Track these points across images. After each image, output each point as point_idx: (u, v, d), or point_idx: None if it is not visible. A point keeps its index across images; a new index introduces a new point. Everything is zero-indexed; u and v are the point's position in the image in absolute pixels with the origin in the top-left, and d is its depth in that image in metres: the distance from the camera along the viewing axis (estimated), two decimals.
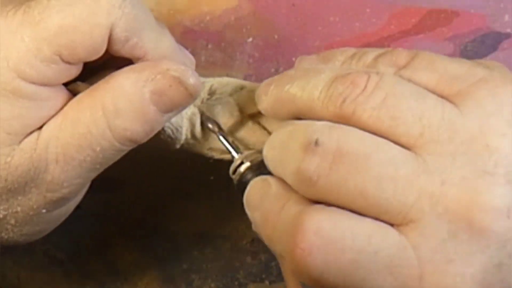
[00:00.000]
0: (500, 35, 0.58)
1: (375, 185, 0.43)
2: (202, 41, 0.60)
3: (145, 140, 0.48)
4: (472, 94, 0.44)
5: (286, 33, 0.60)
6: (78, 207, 0.52)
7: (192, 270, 0.65)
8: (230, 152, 0.51)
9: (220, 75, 0.55)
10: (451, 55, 0.59)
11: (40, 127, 0.47)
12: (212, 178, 0.62)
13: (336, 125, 0.44)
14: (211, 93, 0.53)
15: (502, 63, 0.57)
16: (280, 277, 0.63)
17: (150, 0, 0.59)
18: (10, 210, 0.48)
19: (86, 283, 0.66)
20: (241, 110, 0.53)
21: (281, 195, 0.46)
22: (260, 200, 0.47)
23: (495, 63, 0.47)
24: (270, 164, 0.47)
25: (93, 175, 0.49)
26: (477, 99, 0.44)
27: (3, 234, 0.49)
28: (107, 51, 0.47)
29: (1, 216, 0.48)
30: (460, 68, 0.45)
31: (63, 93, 0.48)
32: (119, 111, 0.46)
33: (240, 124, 0.52)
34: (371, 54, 0.47)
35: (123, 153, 0.48)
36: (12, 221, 0.48)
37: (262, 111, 0.50)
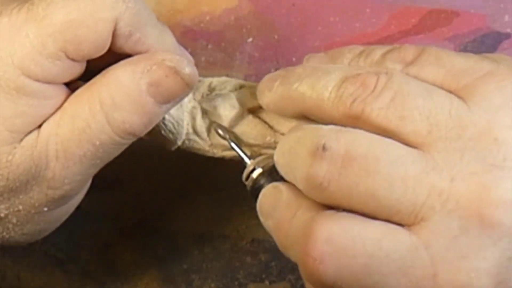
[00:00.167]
0: (500, 35, 0.58)
1: (386, 187, 0.43)
2: (202, 41, 0.60)
3: (144, 133, 0.48)
4: (479, 88, 0.44)
5: (286, 33, 0.60)
6: (78, 207, 0.52)
7: (192, 270, 0.65)
8: (242, 159, 0.51)
9: (220, 75, 0.55)
10: None
11: (40, 125, 0.47)
12: (212, 178, 0.62)
13: (343, 128, 0.44)
14: (211, 89, 0.53)
15: None
16: (280, 277, 0.63)
17: (151, 0, 0.59)
18: (11, 209, 0.48)
19: (86, 283, 0.66)
20: (241, 104, 0.53)
21: (292, 203, 0.46)
22: (272, 208, 0.47)
23: (503, 56, 0.47)
24: (281, 170, 0.47)
25: (94, 171, 0.49)
26: (484, 93, 0.44)
27: (4, 234, 0.49)
28: (110, 51, 0.47)
29: (3, 215, 0.48)
30: (466, 62, 0.45)
31: (65, 93, 0.48)
32: (116, 104, 0.46)
33: (240, 117, 0.52)
34: (379, 51, 0.47)
35: (123, 148, 0.48)
36: (14, 220, 0.48)
37: (264, 107, 0.50)
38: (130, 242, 0.65)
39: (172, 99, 0.48)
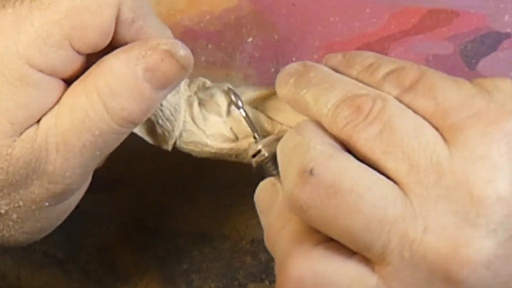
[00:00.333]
0: (500, 35, 0.59)
1: (363, 226, 0.43)
2: (202, 41, 0.60)
3: (143, 120, 0.48)
4: (463, 132, 0.43)
5: (286, 33, 0.60)
6: (77, 207, 0.52)
7: (192, 270, 0.65)
8: (252, 132, 0.51)
9: (220, 75, 0.55)
10: (451, 55, 0.59)
11: (39, 120, 0.47)
12: (212, 178, 0.62)
13: (334, 154, 0.44)
14: (206, 88, 0.54)
15: (502, 63, 0.58)
16: None
17: (151, 0, 0.59)
18: (12, 205, 0.48)
19: (86, 283, 0.66)
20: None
21: (283, 212, 0.46)
22: (267, 208, 0.47)
23: (502, 83, 0.46)
24: (279, 165, 0.47)
25: (94, 164, 0.49)
26: (467, 139, 0.43)
27: (4, 232, 0.49)
28: (111, 44, 0.48)
29: (3, 211, 0.48)
30: (458, 96, 0.45)
31: (64, 89, 0.48)
32: (114, 92, 0.47)
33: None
34: (384, 69, 0.47)
35: (122, 138, 0.48)
36: (14, 217, 0.48)
37: (280, 98, 0.50)
38: (130, 242, 0.66)
39: (169, 83, 0.48)
